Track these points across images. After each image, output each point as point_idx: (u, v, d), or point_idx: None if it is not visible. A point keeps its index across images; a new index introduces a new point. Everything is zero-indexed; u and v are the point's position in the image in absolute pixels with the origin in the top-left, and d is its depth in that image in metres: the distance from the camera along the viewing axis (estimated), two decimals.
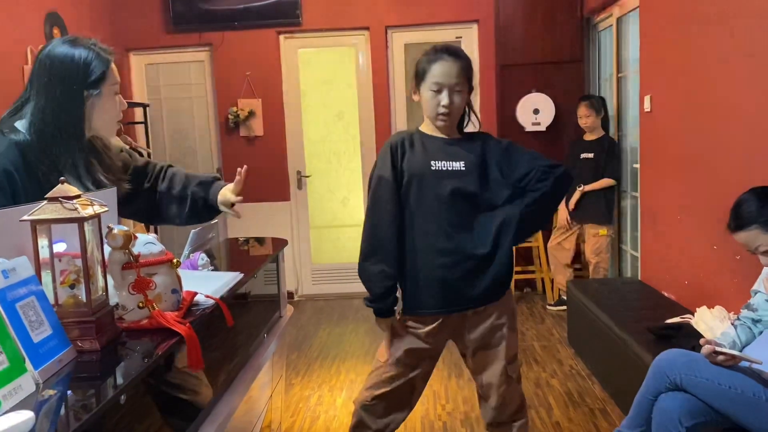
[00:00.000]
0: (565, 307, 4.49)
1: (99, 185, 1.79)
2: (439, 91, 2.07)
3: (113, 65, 1.80)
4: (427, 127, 2.19)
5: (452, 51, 2.11)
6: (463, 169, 2.09)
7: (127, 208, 1.96)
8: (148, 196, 2.06)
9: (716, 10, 3.08)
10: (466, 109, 2.20)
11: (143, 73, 5.67)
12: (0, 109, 1.83)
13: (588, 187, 4.65)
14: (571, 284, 4.19)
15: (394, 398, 2.21)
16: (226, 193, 2.08)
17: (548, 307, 5.03)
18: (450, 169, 2.09)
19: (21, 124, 1.75)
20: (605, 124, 4.82)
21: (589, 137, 4.79)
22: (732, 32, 2.93)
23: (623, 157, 4.78)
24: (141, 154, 2.14)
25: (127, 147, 2.20)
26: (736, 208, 2.21)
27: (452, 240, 2.08)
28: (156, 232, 5.19)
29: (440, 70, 2.07)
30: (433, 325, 2.14)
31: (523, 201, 2.08)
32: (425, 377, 2.26)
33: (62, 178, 1.39)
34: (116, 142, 2.02)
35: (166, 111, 5.67)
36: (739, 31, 2.87)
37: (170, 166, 2.13)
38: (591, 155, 4.72)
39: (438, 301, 2.11)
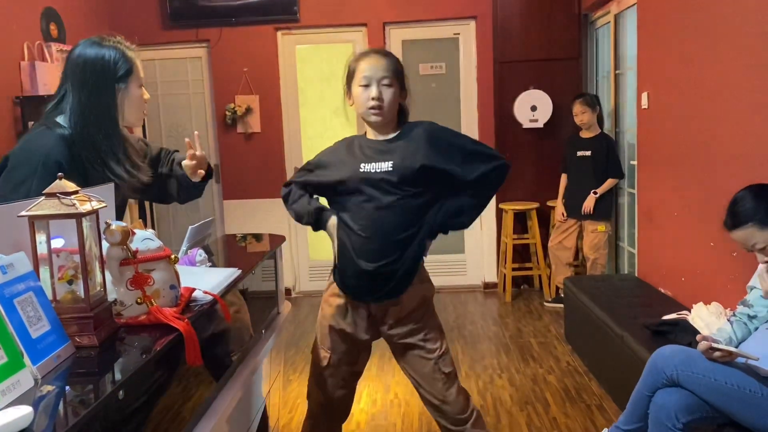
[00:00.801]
0: (562, 304, 4.50)
1: (135, 168, 1.98)
2: (367, 86, 2.10)
3: (138, 61, 1.99)
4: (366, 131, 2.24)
5: (379, 50, 2.20)
6: (391, 169, 2.09)
7: (146, 193, 2.17)
8: (162, 181, 2.18)
9: (713, 7, 3.08)
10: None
11: (140, 69, 5.64)
12: None
13: (599, 191, 4.62)
14: (568, 281, 4.20)
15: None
16: (184, 162, 2.12)
17: (545, 303, 5.03)
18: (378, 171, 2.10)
19: (62, 119, 1.91)
20: (600, 121, 4.82)
21: (586, 134, 4.78)
22: (729, 29, 2.94)
23: (620, 154, 4.78)
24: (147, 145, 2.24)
25: (142, 137, 2.31)
26: (733, 206, 2.22)
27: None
28: (154, 227, 5.19)
29: (367, 65, 2.11)
30: None
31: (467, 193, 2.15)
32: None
33: (60, 174, 1.39)
34: (177, 157, 2.18)
35: (163, 107, 5.66)
36: (736, 28, 2.88)
37: (176, 151, 2.26)
38: (588, 153, 4.71)
39: None
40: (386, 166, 2.08)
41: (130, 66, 1.95)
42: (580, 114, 4.73)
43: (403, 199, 2.08)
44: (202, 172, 2.08)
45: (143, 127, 5.23)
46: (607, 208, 4.70)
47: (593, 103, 4.74)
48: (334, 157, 2.20)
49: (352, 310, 2.21)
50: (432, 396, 2.22)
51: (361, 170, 2.10)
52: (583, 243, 4.82)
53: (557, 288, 4.95)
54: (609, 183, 4.64)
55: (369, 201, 2.08)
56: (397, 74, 2.12)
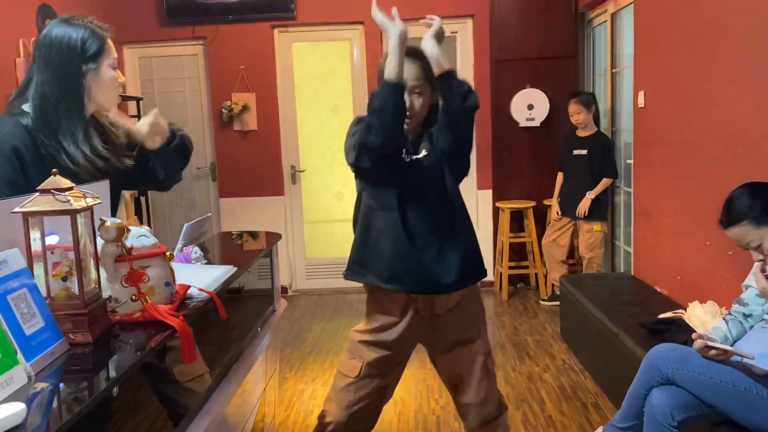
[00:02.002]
0: (558, 303, 4.51)
1: (97, 154, 1.84)
2: None
3: (110, 41, 1.88)
4: None
5: (412, 52, 2.02)
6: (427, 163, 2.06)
7: (139, 184, 2.14)
8: (150, 167, 2.07)
9: (710, 7, 3.08)
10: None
11: (136, 66, 5.64)
12: None
13: (593, 193, 4.60)
14: (564, 279, 4.21)
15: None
16: (137, 128, 2.03)
17: (541, 302, 5.04)
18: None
19: (27, 106, 1.82)
20: (597, 119, 4.82)
21: (582, 133, 4.77)
22: (726, 28, 2.94)
23: (617, 152, 4.78)
24: None
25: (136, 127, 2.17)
26: (728, 204, 2.22)
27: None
28: (149, 224, 5.18)
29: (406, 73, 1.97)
30: None
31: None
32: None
33: (54, 170, 1.38)
34: (129, 124, 2.05)
35: (159, 105, 5.64)
36: (733, 27, 2.88)
37: None
38: (584, 152, 4.70)
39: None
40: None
41: (100, 45, 1.84)
42: (576, 114, 4.73)
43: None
44: (159, 138, 1.98)
45: None
46: (603, 209, 4.69)
47: (589, 102, 4.73)
48: None
49: (399, 310, 2.07)
50: (475, 394, 2.12)
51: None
52: (578, 242, 4.82)
53: (553, 286, 4.96)
54: (604, 183, 4.62)
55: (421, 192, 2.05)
56: (428, 77, 2.03)
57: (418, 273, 2.01)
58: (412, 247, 2.01)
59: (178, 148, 2.06)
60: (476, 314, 2.18)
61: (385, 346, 2.08)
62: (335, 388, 2.16)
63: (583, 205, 4.62)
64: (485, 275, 2.20)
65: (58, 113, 1.79)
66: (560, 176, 4.95)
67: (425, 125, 2.11)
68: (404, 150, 2.06)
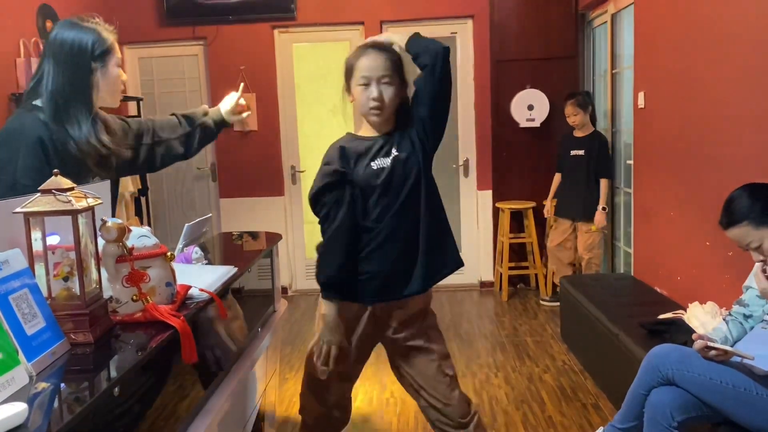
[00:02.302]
0: (558, 303, 4.51)
1: (101, 143, 1.99)
2: (367, 85, 2.01)
3: (115, 42, 2.03)
4: (361, 130, 2.14)
5: (378, 44, 2.06)
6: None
7: (133, 168, 2.29)
8: (149, 150, 2.26)
9: (710, 8, 3.08)
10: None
11: (137, 66, 5.64)
12: None
13: (602, 202, 4.55)
14: (564, 280, 4.21)
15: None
16: (226, 106, 2.48)
17: (542, 302, 5.04)
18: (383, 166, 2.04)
19: (39, 102, 1.95)
20: (594, 120, 4.81)
21: (579, 133, 4.75)
22: (726, 29, 2.94)
23: (617, 153, 4.79)
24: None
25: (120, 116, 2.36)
26: (728, 205, 2.22)
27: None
28: (150, 225, 5.18)
29: (366, 64, 2.01)
30: None
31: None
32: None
33: (55, 171, 1.38)
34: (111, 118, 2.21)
35: (159, 105, 5.64)
36: (733, 28, 2.88)
37: (151, 120, 2.35)
38: (581, 152, 4.69)
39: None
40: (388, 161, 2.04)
41: (107, 46, 1.98)
42: (573, 116, 4.72)
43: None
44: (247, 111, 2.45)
45: None
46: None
47: (585, 103, 4.71)
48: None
49: (354, 317, 2.13)
50: (435, 399, 2.16)
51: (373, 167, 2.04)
52: (577, 243, 4.81)
53: (554, 285, 4.94)
54: (605, 186, 4.61)
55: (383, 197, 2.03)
56: (397, 69, 2.04)
57: (381, 285, 2.05)
58: (378, 261, 2.03)
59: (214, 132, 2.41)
60: (430, 321, 2.20)
61: (346, 349, 2.14)
62: (307, 385, 2.25)
63: (600, 220, 4.59)
64: (458, 265, 2.13)
65: (69, 106, 1.92)
66: (557, 177, 4.93)
67: (397, 120, 2.10)
68: (374, 155, 2.04)
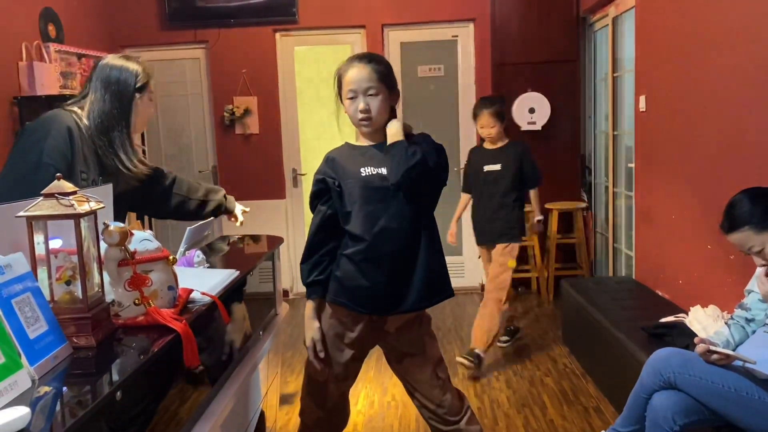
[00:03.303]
0: (510, 340, 4.17)
1: (141, 162, 2.34)
2: (354, 98, 2.07)
3: (151, 77, 2.34)
4: (358, 138, 2.19)
5: (363, 56, 2.11)
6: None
7: (143, 208, 2.71)
8: (161, 195, 2.56)
9: (711, 11, 3.09)
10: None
11: None
12: None
13: (538, 213, 4.13)
14: (565, 282, 4.19)
15: None
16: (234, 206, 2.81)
17: (499, 343, 4.11)
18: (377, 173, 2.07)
19: (77, 108, 2.24)
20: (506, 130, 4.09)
21: (491, 145, 4.00)
22: (728, 32, 2.95)
23: (618, 156, 4.79)
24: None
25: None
26: (729, 210, 2.22)
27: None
28: (151, 228, 5.18)
29: (352, 77, 2.06)
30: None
31: None
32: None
33: (58, 174, 1.39)
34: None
35: (161, 108, 5.64)
36: (734, 31, 2.88)
37: (175, 174, 2.66)
38: (497, 167, 3.93)
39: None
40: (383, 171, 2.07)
41: (147, 81, 2.29)
42: (488, 127, 3.91)
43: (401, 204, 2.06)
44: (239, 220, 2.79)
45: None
46: (521, 226, 4.01)
47: (503, 115, 3.96)
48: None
49: (351, 321, 2.17)
50: (428, 401, 2.22)
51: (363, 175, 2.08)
52: (486, 270, 4.06)
53: (510, 326, 4.24)
54: (535, 197, 4.07)
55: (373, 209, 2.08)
56: (383, 80, 2.07)
57: (374, 297, 2.09)
58: (371, 273, 2.07)
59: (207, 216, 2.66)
60: (425, 327, 2.23)
61: (342, 349, 2.19)
62: (306, 387, 2.30)
63: (536, 228, 4.27)
64: (448, 295, 2.18)
65: (114, 128, 2.23)
66: (465, 198, 4.14)
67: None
68: (364, 164, 2.08)
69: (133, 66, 2.28)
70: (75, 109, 2.23)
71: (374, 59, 2.11)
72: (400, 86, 2.21)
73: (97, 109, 2.21)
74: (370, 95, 2.05)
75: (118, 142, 2.24)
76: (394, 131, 2.07)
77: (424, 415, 2.29)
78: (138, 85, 2.26)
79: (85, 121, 2.21)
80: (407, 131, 2.11)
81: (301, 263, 2.19)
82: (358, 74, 2.05)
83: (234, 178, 5.58)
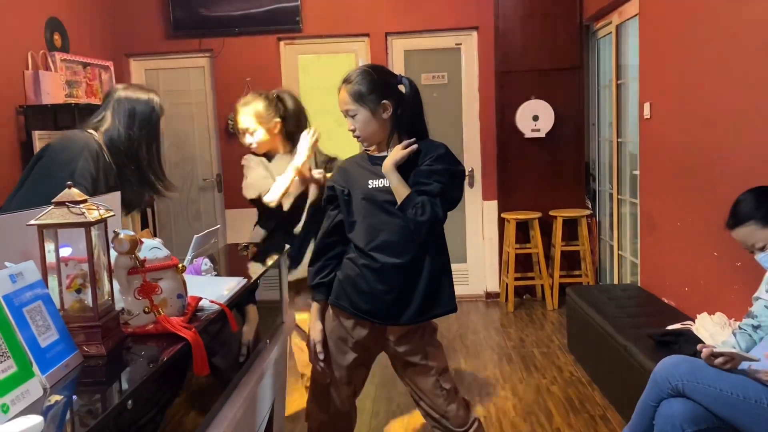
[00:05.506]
0: None
1: (168, 189, 2.49)
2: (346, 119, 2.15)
3: (163, 108, 2.48)
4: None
5: (347, 76, 2.12)
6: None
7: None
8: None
9: (714, 18, 3.09)
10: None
11: (143, 78, 5.66)
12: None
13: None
14: (570, 290, 4.18)
15: None
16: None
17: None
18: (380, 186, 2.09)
19: (94, 132, 2.32)
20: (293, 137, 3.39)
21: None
22: (732, 39, 2.95)
23: (622, 163, 4.78)
24: None
25: None
26: (735, 206, 2.26)
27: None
28: (156, 236, 5.18)
29: (338, 100, 2.13)
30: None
31: None
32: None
33: (69, 183, 1.39)
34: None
35: (165, 117, 5.65)
36: (737, 38, 2.89)
37: None
38: None
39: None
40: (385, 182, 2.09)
41: (160, 113, 2.44)
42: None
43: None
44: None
45: None
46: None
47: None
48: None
49: (353, 325, 2.19)
50: (433, 410, 2.23)
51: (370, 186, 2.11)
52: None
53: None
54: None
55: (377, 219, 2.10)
56: (359, 99, 2.06)
57: (372, 303, 2.11)
58: (371, 281, 2.09)
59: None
60: (428, 337, 2.24)
61: (345, 352, 2.22)
62: (312, 391, 2.34)
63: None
64: (449, 310, 2.20)
65: (141, 153, 2.36)
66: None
67: (390, 136, 2.13)
68: (373, 175, 2.11)
69: (150, 97, 2.40)
70: (93, 132, 2.32)
71: (349, 79, 2.10)
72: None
73: (116, 136, 2.31)
74: (351, 116, 2.12)
75: (146, 165, 2.37)
76: (388, 168, 2.05)
77: (430, 424, 2.30)
78: (154, 117, 2.39)
79: (103, 146, 2.29)
80: (419, 139, 2.10)
81: (309, 266, 2.25)
82: (339, 97, 2.13)
83: (238, 186, 5.56)
